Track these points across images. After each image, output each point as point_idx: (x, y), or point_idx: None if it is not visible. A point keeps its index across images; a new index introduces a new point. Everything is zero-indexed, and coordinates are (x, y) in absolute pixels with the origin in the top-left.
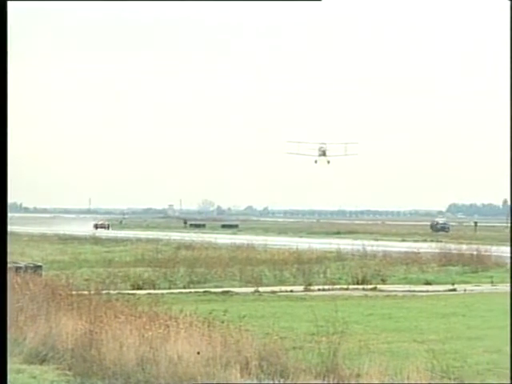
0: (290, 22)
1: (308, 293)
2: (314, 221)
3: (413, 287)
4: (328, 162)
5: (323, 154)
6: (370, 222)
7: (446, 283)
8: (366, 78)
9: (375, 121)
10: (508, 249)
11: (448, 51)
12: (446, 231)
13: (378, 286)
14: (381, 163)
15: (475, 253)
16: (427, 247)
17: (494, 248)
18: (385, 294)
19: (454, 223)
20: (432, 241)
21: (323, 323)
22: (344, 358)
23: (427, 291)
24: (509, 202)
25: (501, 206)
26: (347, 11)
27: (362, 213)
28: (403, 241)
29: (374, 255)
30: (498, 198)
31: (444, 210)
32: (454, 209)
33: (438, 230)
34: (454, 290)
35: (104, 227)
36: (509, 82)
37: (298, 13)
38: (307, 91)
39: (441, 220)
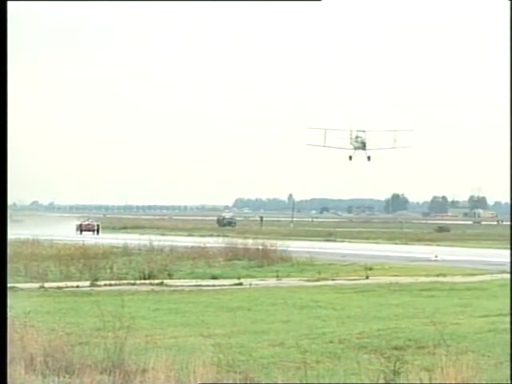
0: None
1: (94, 288)
2: (101, 216)
3: (199, 282)
4: (369, 157)
5: (362, 146)
6: (157, 217)
7: (232, 277)
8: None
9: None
10: (293, 243)
11: (448, 51)
12: (233, 226)
13: (165, 281)
14: (168, 158)
15: (261, 247)
16: (214, 242)
17: (280, 242)
18: (172, 288)
19: (240, 218)
20: (218, 235)
21: (110, 318)
22: (130, 353)
23: (214, 285)
24: (294, 197)
25: (286, 201)
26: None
27: (149, 208)
28: (190, 235)
29: (161, 250)
30: (284, 192)
31: (230, 204)
32: (240, 203)
33: (225, 224)
34: (240, 284)
35: (91, 230)
36: (509, 82)
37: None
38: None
39: (227, 215)
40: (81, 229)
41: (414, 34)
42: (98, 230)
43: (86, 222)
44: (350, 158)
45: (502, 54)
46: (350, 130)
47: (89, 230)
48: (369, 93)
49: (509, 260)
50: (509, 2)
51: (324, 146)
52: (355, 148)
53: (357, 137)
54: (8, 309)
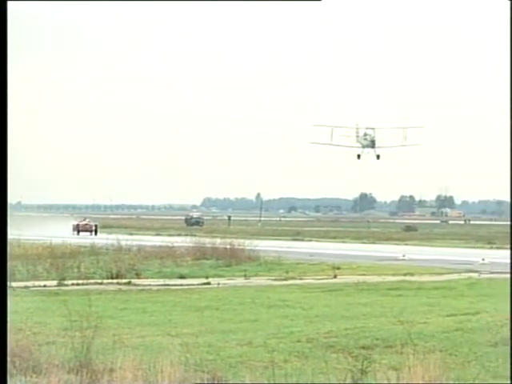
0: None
1: (61, 287)
2: (68, 215)
3: (167, 281)
4: (378, 156)
5: (371, 144)
6: (124, 217)
7: (200, 277)
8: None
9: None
10: (261, 242)
11: (448, 51)
12: (201, 225)
13: (133, 281)
14: (136, 157)
15: (229, 247)
16: (181, 241)
17: (248, 242)
18: (139, 288)
19: (208, 217)
20: (186, 235)
21: (77, 318)
22: (98, 352)
23: (181, 285)
24: (262, 197)
25: (254, 200)
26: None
27: (116, 207)
28: (158, 235)
29: (129, 249)
30: (252, 192)
31: (198, 204)
32: (208, 203)
33: (193, 224)
34: (208, 283)
35: (89, 230)
36: (509, 82)
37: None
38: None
39: (195, 214)
40: (78, 229)
41: (412, 33)
42: (96, 231)
43: (84, 222)
44: (359, 156)
45: (494, 53)
46: (357, 127)
47: (86, 231)
48: (365, 89)
49: (476, 259)
50: (509, 2)
51: (330, 145)
52: (363, 146)
53: (365, 134)
54: None
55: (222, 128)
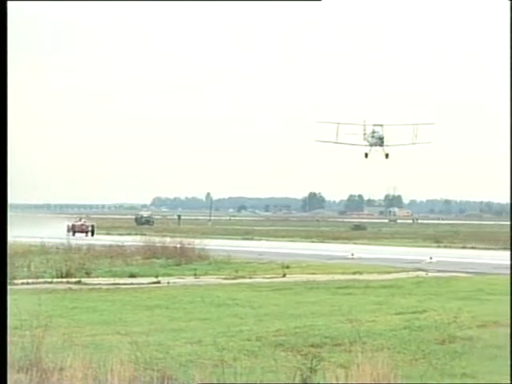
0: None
1: (11, 287)
2: (19, 215)
3: (117, 280)
4: (387, 155)
5: (379, 142)
6: (74, 216)
7: (150, 276)
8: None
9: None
10: (211, 241)
11: (448, 51)
12: (151, 224)
13: (83, 280)
14: (85, 156)
15: (179, 246)
16: (132, 240)
17: (197, 241)
18: (89, 287)
19: (158, 216)
20: (136, 234)
21: (27, 317)
22: (47, 351)
23: (131, 284)
24: (212, 196)
25: (204, 199)
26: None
27: (66, 206)
28: (108, 234)
29: (79, 248)
30: (201, 191)
31: (148, 203)
32: (158, 202)
33: (143, 223)
34: (158, 282)
35: (85, 231)
36: (509, 83)
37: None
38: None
39: (145, 213)
40: (74, 230)
41: (417, 32)
42: (92, 232)
43: (79, 223)
44: (366, 155)
45: (501, 53)
46: (364, 124)
47: (82, 232)
48: (372, 86)
49: (423, 258)
50: (509, 2)
51: (336, 143)
52: (371, 144)
53: (373, 132)
54: None
55: (172, 127)
